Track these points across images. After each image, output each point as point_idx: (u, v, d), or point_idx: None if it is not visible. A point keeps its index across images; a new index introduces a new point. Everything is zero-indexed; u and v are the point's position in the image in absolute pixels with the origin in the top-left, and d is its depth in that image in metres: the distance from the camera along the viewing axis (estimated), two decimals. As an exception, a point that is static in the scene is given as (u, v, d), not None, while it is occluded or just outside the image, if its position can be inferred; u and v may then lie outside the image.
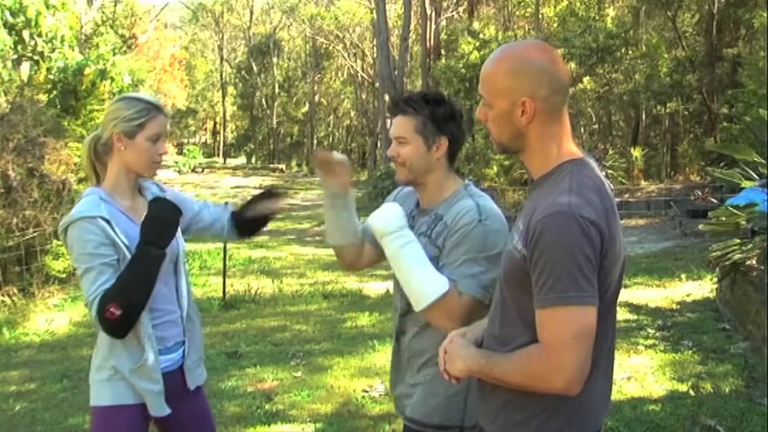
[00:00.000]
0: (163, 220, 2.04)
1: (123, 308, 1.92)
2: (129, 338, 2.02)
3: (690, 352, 5.08)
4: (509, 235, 1.54)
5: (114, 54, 9.70)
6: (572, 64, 18.74)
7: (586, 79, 20.92)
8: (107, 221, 1.99)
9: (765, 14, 15.36)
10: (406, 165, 1.95)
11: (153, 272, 2.00)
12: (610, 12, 22.42)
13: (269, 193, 2.43)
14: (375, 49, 27.73)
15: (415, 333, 1.99)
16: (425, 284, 1.82)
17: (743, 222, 5.25)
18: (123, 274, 1.96)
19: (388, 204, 1.98)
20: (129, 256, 1.99)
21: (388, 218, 1.89)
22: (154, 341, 2.06)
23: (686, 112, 22.50)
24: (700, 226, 6.78)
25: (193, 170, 31.51)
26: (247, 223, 2.39)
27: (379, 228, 1.90)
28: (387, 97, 22.12)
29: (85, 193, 2.07)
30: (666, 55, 20.80)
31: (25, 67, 9.66)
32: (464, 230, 1.86)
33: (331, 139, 43.35)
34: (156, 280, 2.01)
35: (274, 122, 40.89)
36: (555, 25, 22.94)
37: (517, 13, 26.52)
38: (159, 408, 2.07)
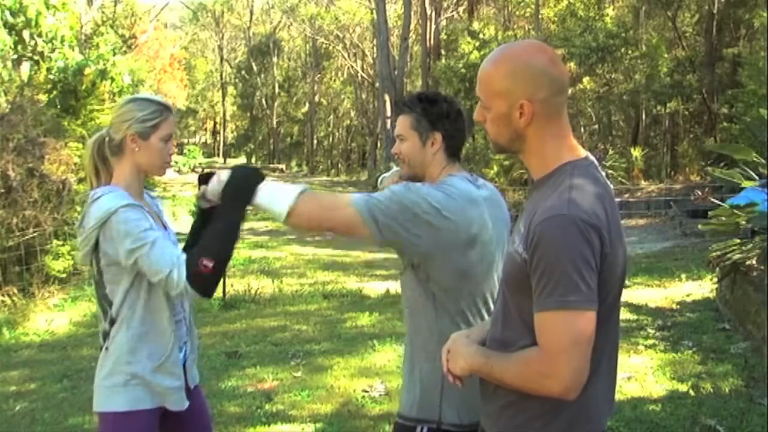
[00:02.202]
0: (246, 178, 2.01)
1: (215, 260, 1.93)
2: (151, 336, 2.05)
3: (690, 352, 5.08)
4: (510, 238, 1.53)
5: (114, 54, 9.68)
6: (572, 64, 18.75)
7: (585, 79, 20.93)
8: (143, 210, 2.03)
9: (765, 14, 15.36)
10: (405, 161, 2.06)
11: (237, 228, 2.00)
12: (610, 12, 22.42)
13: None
14: (375, 49, 27.74)
15: (409, 323, 2.03)
16: (286, 191, 1.85)
17: (743, 222, 5.26)
18: (209, 231, 1.98)
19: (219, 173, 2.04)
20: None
21: (239, 179, 1.95)
22: (176, 336, 2.10)
23: (686, 112, 22.51)
24: (700, 226, 6.79)
25: (193, 170, 31.52)
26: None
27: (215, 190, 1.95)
28: (387, 97, 22.16)
29: (105, 190, 2.06)
30: (666, 55, 20.80)
31: (25, 67, 9.66)
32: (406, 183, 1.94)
33: (331, 139, 43.36)
34: (238, 238, 2.02)
35: (274, 122, 40.92)
36: (555, 25, 22.93)
37: (517, 13, 26.53)
38: (180, 402, 2.11)
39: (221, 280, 2.03)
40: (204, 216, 2.19)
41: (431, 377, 1.92)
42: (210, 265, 1.92)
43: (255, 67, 40.47)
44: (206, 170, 2.28)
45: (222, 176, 1.98)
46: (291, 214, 1.83)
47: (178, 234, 2.28)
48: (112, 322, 2.08)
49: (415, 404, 1.97)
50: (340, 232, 1.90)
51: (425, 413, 1.94)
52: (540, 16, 23.01)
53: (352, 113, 40.84)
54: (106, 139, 2.12)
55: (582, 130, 22.86)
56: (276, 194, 1.87)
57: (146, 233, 1.96)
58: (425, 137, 2.01)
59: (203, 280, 1.94)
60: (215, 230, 1.98)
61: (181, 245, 2.16)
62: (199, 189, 2.14)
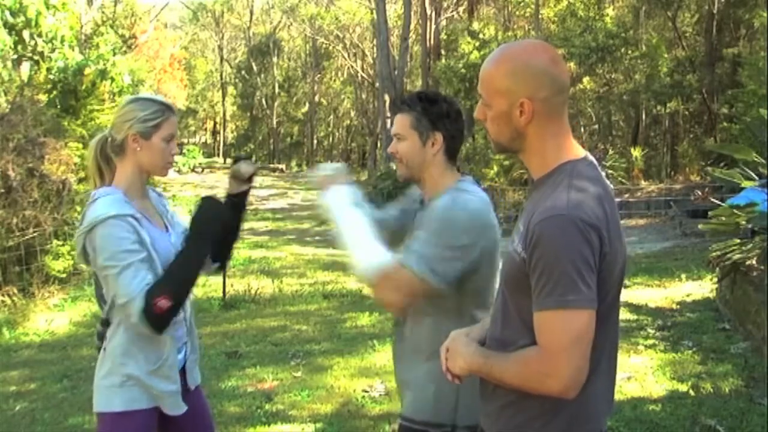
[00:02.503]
0: (213, 215, 2.09)
1: (173, 300, 1.94)
2: (146, 340, 2.03)
3: (690, 352, 5.07)
4: (510, 237, 1.53)
5: (114, 54, 9.69)
6: (572, 64, 18.74)
7: (585, 79, 20.92)
8: (137, 220, 2.01)
9: (765, 14, 15.36)
10: (403, 161, 2.01)
11: (199, 266, 2.04)
12: (610, 12, 22.42)
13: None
14: (375, 49, 27.73)
15: (413, 323, 2.00)
16: (369, 254, 1.85)
17: (743, 222, 5.25)
18: (171, 267, 1.99)
19: (338, 186, 2.02)
20: (155, 256, 2.01)
21: (337, 196, 1.95)
22: (174, 340, 2.09)
23: (686, 112, 22.51)
24: (700, 226, 6.79)
25: (193, 170, 31.53)
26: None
27: (328, 205, 1.95)
28: (387, 97, 22.15)
29: (100, 193, 2.05)
30: (666, 55, 20.80)
31: (25, 67, 9.66)
32: (431, 215, 1.90)
33: (331, 139, 43.36)
34: (199, 274, 2.04)
35: (274, 122, 40.90)
36: (555, 25, 22.94)
37: (517, 13, 26.52)
38: (176, 406, 2.09)
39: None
40: (233, 203, 2.26)
41: (459, 383, 1.88)
42: (167, 304, 1.93)
43: (255, 67, 40.46)
44: (240, 154, 2.34)
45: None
46: (368, 286, 1.88)
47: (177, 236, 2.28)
48: (105, 323, 2.08)
49: (428, 407, 1.92)
50: (414, 300, 1.87)
51: (440, 417, 1.90)
52: (540, 16, 23.00)
53: (352, 113, 40.84)
54: (109, 139, 2.12)
55: (582, 130, 22.86)
56: (361, 253, 1.87)
57: (123, 254, 1.94)
58: (426, 137, 1.97)
59: (157, 319, 1.94)
60: (178, 265, 2.00)
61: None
62: (234, 165, 2.22)
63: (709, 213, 5.98)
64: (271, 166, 36.03)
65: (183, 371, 2.18)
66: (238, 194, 2.29)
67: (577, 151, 1.49)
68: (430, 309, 1.93)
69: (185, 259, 2.01)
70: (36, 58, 8.92)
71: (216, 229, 2.09)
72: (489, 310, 1.90)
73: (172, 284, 1.96)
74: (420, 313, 1.94)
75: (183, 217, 2.30)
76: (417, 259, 1.82)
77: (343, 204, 1.94)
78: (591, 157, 1.51)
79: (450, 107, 2.00)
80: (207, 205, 2.11)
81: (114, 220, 1.96)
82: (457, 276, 1.84)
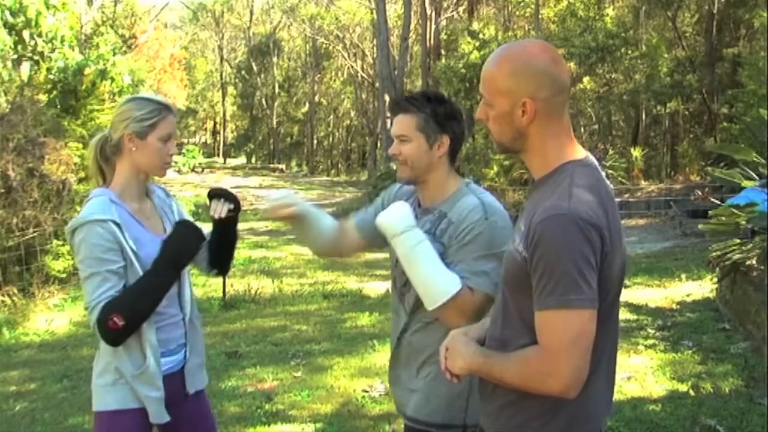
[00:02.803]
0: (187, 244, 2.07)
1: (126, 320, 1.92)
2: (131, 344, 2.02)
3: (690, 352, 5.07)
4: (511, 236, 1.54)
5: (114, 54, 9.68)
6: (572, 64, 18.73)
7: (585, 79, 20.91)
8: (118, 225, 1.98)
9: (765, 14, 15.36)
10: (407, 163, 1.96)
11: (163, 291, 2.02)
12: (610, 12, 22.41)
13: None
14: (375, 49, 27.73)
15: (417, 329, 1.99)
16: (439, 283, 1.83)
17: (743, 222, 5.25)
18: (133, 287, 1.97)
19: (396, 203, 1.97)
20: (135, 262, 1.98)
21: (397, 217, 1.90)
22: (157, 348, 2.05)
23: (686, 112, 22.50)
24: (700, 226, 6.79)
25: (193, 170, 31.51)
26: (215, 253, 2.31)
27: (389, 228, 1.90)
28: (387, 97, 22.13)
29: (93, 193, 2.05)
30: (666, 55, 20.79)
31: (25, 67, 9.66)
32: (471, 228, 1.87)
33: (331, 139, 43.34)
34: (162, 299, 2.02)
35: (274, 122, 40.88)
36: (555, 25, 22.93)
37: (517, 13, 26.51)
38: (159, 415, 2.06)
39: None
40: (216, 229, 2.23)
41: (458, 382, 1.87)
42: (120, 323, 1.92)
43: (255, 67, 40.44)
44: (214, 187, 2.28)
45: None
46: (439, 315, 1.86)
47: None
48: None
49: (440, 408, 1.91)
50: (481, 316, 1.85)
51: (451, 418, 1.90)
52: (540, 16, 22.99)
53: (352, 113, 40.82)
54: (108, 139, 2.11)
55: (582, 130, 22.85)
56: (433, 280, 1.85)
57: (93, 262, 1.94)
58: (433, 139, 1.93)
59: (109, 334, 1.95)
60: (140, 287, 1.98)
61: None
62: (210, 205, 2.18)
63: (709, 213, 5.98)
64: (271, 166, 36.03)
65: (182, 374, 2.15)
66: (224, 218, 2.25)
67: (578, 151, 1.50)
68: None
69: (147, 284, 1.98)
70: (36, 58, 8.92)
71: (188, 255, 2.07)
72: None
73: (129, 305, 1.94)
74: (428, 317, 1.93)
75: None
76: (482, 279, 1.84)
77: (408, 222, 1.88)
78: (592, 158, 1.52)
79: (454, 109, 1.98)
80: (181, 231, 2.08)
81: (93, 224, 1.95)
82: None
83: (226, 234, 2.24)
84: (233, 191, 2.30)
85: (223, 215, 2.17)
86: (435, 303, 1.83)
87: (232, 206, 2.19)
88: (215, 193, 2.21)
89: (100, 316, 1.92)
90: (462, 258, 1.87)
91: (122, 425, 2.05)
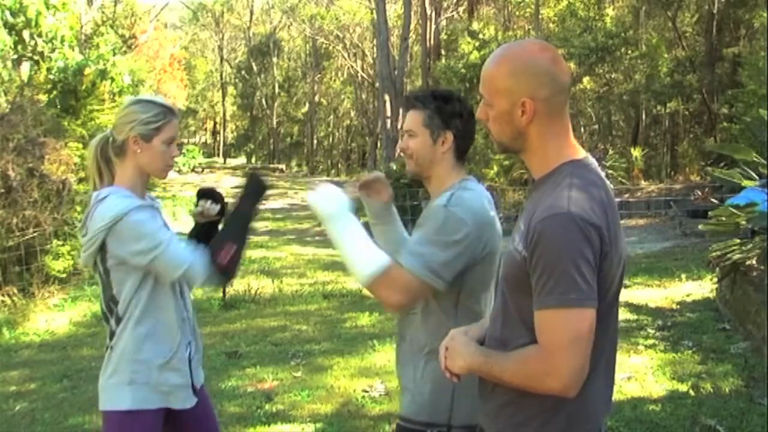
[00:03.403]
0: (259, 185, 2.21)
1: (236, 244, 2.08)
2: (161, 333, 2.07)
3: (690, 352, 5.07)
4: (510, 236, 1.54)
5: (114, 54, 9.69)
6: (572, 64, 18.73)
7: (585, 79, 20.92)
8: (156, 210, 2.11)
9: (765, 14, 15.36)
10: (413, 157, 2.02)
11: (249, 223, 2.17)
12: (610, 12, 22.41)
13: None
14: (375, 49, 27.72)
15: (416, 327, 2.00)
16: (366, 258, 1.86)
17: (743, 222, 5.25)
18: (229, 222, 2.17)
19: (325, 185, 2.02)
20: None
21: (326, 200, 1.94)
22: (184, 334, 2.13)
23: (686, 112, 22.50)
24: (700, 226, 6.78)
25: (193, 170, 31.50)
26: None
27: (318, 210, 1.95)
28: (387, 97, 22.15)
29: (111, 190, 2.07)
30: (666, 55, 20.79)
31: (25, 67, 9.66)
32: (427, 214, 1.93)
33: (331, 139, 43.35)
34: (248, 233, 2.17)
35: (274, 122, 40.87)
36: (555, 25, 22.93)
37: (517, 13, 26.53)
38: (186, 400, 2.12)
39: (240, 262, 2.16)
40: (198, 229, 2.28)
41: (444, 380, 1.88)
42: (232, 249, 2.06)
43: (255, 67, 40.43)
44: (204, 186, 2.36)
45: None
46: (369, 290, 1.90)
47: (178, 234, 2.29)
48: (119, 321, 2.08)
49: (424, 407, 1.93)
50: (415, 300, 1.89)
51: (436, 416, 1.91)
52: (540, 16, 22.99)
53: (352, 113, 40.82)
54: (110, 140, 2.12)
55: (582, 130, 22.84)
56: (359, 258, 1.89)
57: (161, 233, 2.01)
58: (437, 135, 1.98)
59: (227, 267, 2.06)
60: (235, 222, 2.14)
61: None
62: (197, 204, 2.20)
63: (709, 213, 5.98)
64: (271, 166, 36.02)
65: (189, 370, 2.18)
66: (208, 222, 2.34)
67: (578, 151, 1.50)
68: (427, 308, 1.94)
69: (239, 214, 2.15)
70: (36, 58, 8.92)
71: (262, 198, 2.21)
72: (486, 310, 1.91)
73: (230, 234, 2.11)
74: (417, 312, 1.95)
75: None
76: (415, 259, 1.83)
77: (336, 206, 1.93)
78: (591, 158, 1.52)
79: (462, 107, 2.02)
80: (255, 177, 2.23)
81: (138, 210, 2.02)
82: (456, 274, 1.85)
83: (207, 235, 2.28)
84: (221, 192, 2.38)
85: (212, 215, 2.27)
86: (362, 277, 1.86)
87: (218, 208, 2.29)
88: (204, 193, 2.30)
89: (212, 257, 2.05)
90: (410, 240, 1.94)
91: (138, 425, 2.06)
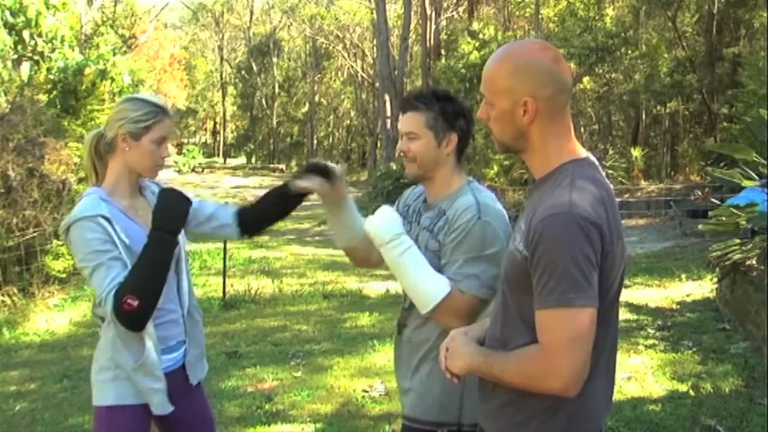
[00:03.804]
0: (173, 207, 2.06)
1: (140, 298, 1.92)
2: (129, 337, 2.02)
3: (690, 352, 5.07)
4: (511, 235, 1.54)
5: (114, 54, 9.69)
6: (572, 64, 18.74)
7: (585, 79, 20.93)
8: (107, 219, 1.99)
9: (765, 14, 15.37)
10: (416, 160, 1.97)
11: (166, 259, 2.01)
12: (610, 12, 22.42)
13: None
14: (375, 49, 27.73)
15: (416, 325, 2.00)
16: (428, 288, 1.84)
17: (743, 222, 5.25)
18: (136, 264, 1.96)
19: (382, 209, 1.99)
20: (127, 254, 1.99)
21: (383, 226, 1.92)
22: (155, 339, 2.06)
23: (686, 112, 22.52)
24: (700, 226, 6.79)
25: (193, 170, 31.52)
26: (254, 218, 2.29)
27: (376, 237, 1.93)
28: (387, 97, 22.16)
29: (85, 192, 2.08)
30: (666, 55, 20.81)
31: (25, 67, 9.66)
32: (464, 227, 1.88)
33: (331, 139, 43.34)
34: (169, 267, 2.02)
35: (274, 122, 40.87)
36: (555, 25, 22.93)
37: (517, 13, 26.53)
38: (162, 406, 2.08)
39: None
40: (286, 196, 2.20)
41: (458, 381, 1.88)
42: (134, 303, 1.91)
43: (255, 67, 40.42)
44: (315, 163, 2.16)
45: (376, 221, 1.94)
46: (433, 314, 1.86)
47: None
48: (102, 320, 2.09)
49: (434, 406, 1.91)
50: (475, 318, 1.86)
51: (445, 416, 1.90)
52: (540, 16, 23.00)
53: (352, 113, 40.82)
54: (102, 136, 2.12)
55: (582, 130, 22.85)
56: (425, 285, 1.85)
57: (92, 255, 1.95)
58: (441, 137, 1.95)
59: (128, 317, 1.93)
60: (142, 262, 1.97)
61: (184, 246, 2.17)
62: (303, 174, 2.12)
63: (709, 213, 5.98)
64: (271, 166, 36.02)
65: (183, 369, 2.18)
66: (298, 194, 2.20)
67: (579, 151, 1.50)
68: None
69: (148, 258, 1.98)
70: (36, 58, 8.92)
71: (178, 217, 2.06)
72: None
73: (137, 282, 1.94)
74: (424, 316, 1.94)
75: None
76: (472, 282, 1.84)
77: (394, 230, 1.90)
78: (592, 158, 1.52)
79: (462, 106, 2.00)
80: (165, 196, 2.09)
81: (83, 221, 1.97)
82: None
83: (290, 206, 2.24)
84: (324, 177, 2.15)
85: (307, 187, 2.13)
86: (426, 308, 1.85)
87: (318, 183, 2.11)
88: (314, 168, 2.14)
89: (115, 302, 1.91)
90: (454, 259, 1.88)
91: (119, 420, 2.06)
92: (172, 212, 2.05)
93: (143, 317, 1.95)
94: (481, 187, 2.01)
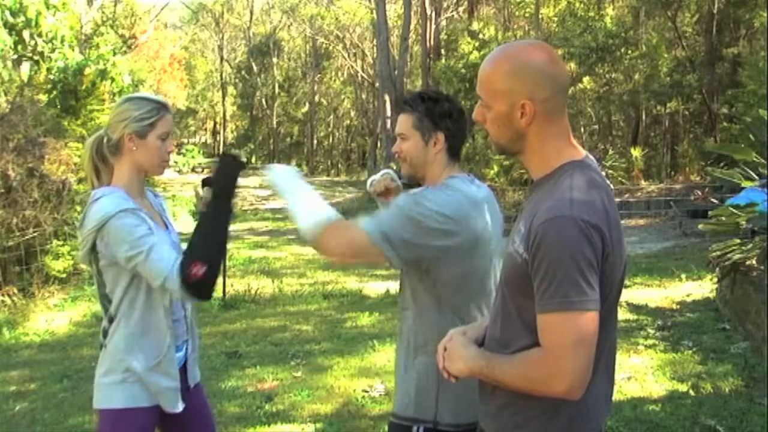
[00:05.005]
0: (231, 174, 2.08)
1: (207, 264, 1.93)
2: (146, 335, 2.05)
3: (690, 352, 5.07)
4: (509, 238, 1.53)
5: (114, 54, 9.68)
6: (572, 64, 18.74)
7: (585, 79, 20.91)
8: (144, 213, 2.04)
9: (765, 14, 15.37)
10: (407, 160, 2.05)
11: (225, 226, 2.03)
12: (610, 12, 22.41)
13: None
14: (375, 49, 27.72)
15: (403, 324, 2.03)
16: (313, 212, 1.86)
17: (743, 222, 5.26)
18: (196, 233, 1.99)
19: (278, 165, 2.04)
20: None
21: (280, 174, 1.96)
22: (174, 335, 2.10)
23: (686, 112, 22.51)
24: (700, 226, 6.79)
25: (193, 170, 31.51)
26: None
27: (274, 183, 1.96)
28: (387, 97, 22.15)
29: (102, 192, 2.06)
30: (666, 55, 20.80)
31: (25, 67, 9.66)
32: (399, 199, 1.95)
33: (331, 139, 43.34)
34: (227, 234, 2.04)
35: (274, 122, 40.86)
36: (555, 25, 22.93)
37: (517, 13, 26.51)
38: (174, 403, 2.10)
39: (220, 280, 2.03)
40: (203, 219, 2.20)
41: (428, 376, 1.91)
42: (202, 270, 1.92)
43: (255, 67, 40.42)
44: (209, 175, 2.20)
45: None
46: (314, 240, 1.85)
47: (180, 234, 2.29)
48: (111, 320, 2.08)
49: (411, 403, 1.95)
50: (359, 260, 1.90)
51: (421, 413, 1.93)
52: (540, 16, 22.98)
53: (352, 113, 40.82)
54: (105, 139, 2.12)
55: (582, 130, 22.83)
56: (305, 210, 1.87)
57: (142, 240, 1.96)
58: (427, 137, 2.01)
59: (197, 286, 1.94)
60: (203, 230, 2.00)
61: (184, 245, 2.16)
62: (201, 191, 2.15)
63: (709, 213, 5.99)
64: (271, 166, 35.95)
65: (184, 369, 2.20)
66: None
67: (578, 151, 1.49)
68: (410, 303, 1.98)
69: (208, 225, 2.01)
70: (36, 58, 8.91)
71: (234, 183, 2.08)
72: (472, 305, 1.92)
73: (201, 250, 1.96)
74: (421, 314, 1.96)
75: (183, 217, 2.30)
76: (374, 223, 1.83)
77: (289, 177, 1.95)
78: (591, 158, 1.51)
79: (452, 106, 2.03)
80: (227, 164, 2.10)
81: (125, 213, 1.99)
82: (416, 257, 1.85)
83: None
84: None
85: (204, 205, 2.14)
86: (308, 228, 1.84)
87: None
88: (209, 183, 2.17)
89: (182, 274, 1.92)
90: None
91: (130, 423, 2.07)
92: (230, 179, 2.07)
93: (210, 283, 1.98)
94: (459, 183, 1.97)
